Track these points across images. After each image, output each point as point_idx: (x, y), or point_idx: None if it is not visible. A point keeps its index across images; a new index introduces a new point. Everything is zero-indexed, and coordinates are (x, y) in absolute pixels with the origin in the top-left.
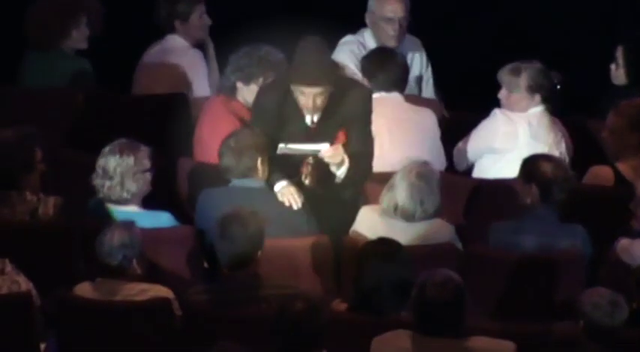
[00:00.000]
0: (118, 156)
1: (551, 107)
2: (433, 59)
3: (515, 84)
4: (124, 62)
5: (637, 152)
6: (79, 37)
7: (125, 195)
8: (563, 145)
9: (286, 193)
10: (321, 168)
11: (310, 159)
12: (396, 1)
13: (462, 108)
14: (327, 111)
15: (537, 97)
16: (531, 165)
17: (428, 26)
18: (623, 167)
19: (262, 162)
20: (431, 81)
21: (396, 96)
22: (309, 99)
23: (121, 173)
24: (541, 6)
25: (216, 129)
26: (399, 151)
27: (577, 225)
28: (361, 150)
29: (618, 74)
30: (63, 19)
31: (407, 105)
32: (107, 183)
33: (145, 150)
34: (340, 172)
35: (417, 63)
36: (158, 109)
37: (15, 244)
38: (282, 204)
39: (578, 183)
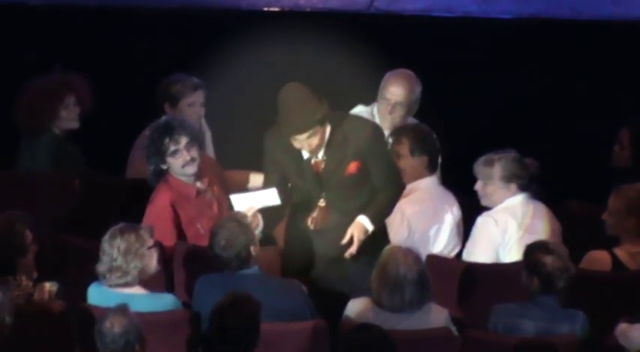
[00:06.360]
0: (118, 238)
1: (531, 194)
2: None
3: (489, 175)
4: (120, 142)
5: (634, 237)
6: (69, 117)
7: (129, 278)
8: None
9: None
10: (328, 213)
11: (322, 203)
12: (399, 85)
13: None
14: (333, 148)
15: (513, 187)
16: (531, 257)
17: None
18: (620, 252)
19: (254, 246)
20: None
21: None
22: (302, 143)
23: (123, 252)
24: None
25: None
26: None
27: (577, 311)
28: (384, 184)
29: (622, 156)
30: (49, 101)
31: None
32: (111, 265)
33: (145, 228)
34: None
35: None
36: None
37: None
38: (280, 289)
39: (576, 268)
